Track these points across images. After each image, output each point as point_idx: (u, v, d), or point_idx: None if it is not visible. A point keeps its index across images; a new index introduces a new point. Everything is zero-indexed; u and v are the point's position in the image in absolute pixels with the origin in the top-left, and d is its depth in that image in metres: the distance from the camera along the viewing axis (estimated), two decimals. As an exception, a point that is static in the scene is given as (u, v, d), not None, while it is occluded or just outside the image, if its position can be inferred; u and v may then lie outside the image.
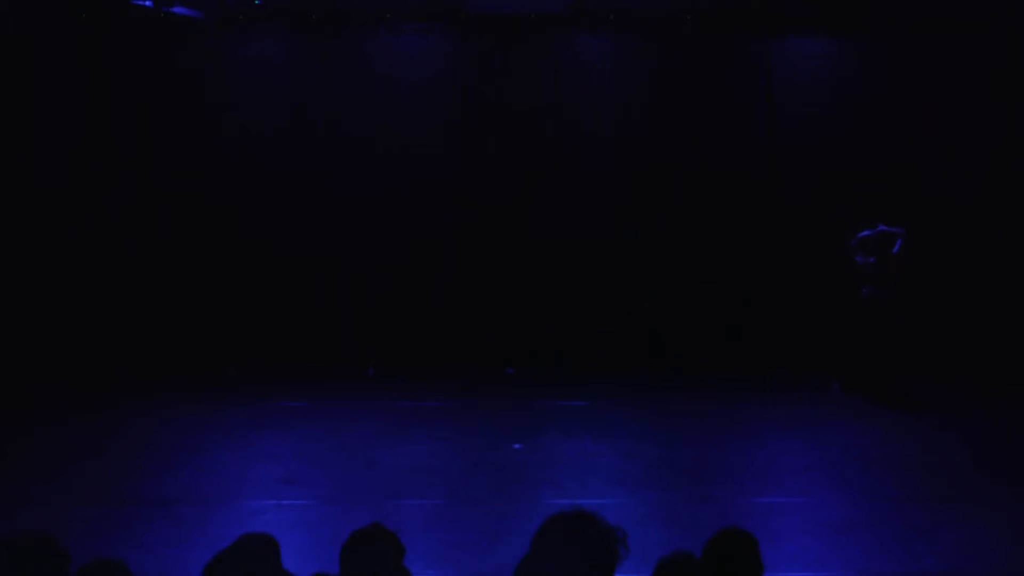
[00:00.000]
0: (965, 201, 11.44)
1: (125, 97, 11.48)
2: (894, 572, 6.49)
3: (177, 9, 11.21)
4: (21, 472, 8.14)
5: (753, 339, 11.69)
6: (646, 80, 11.88)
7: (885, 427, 9.63)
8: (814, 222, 11.61)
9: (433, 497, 7.70)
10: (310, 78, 11.78)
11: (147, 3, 11.01)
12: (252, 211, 11.58)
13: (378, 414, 9.92)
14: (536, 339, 11.72)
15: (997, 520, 7.18)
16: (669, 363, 11.53)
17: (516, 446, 8.96)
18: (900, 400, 10.39)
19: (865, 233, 10.56)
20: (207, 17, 11.45)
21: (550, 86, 11.84)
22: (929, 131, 11.55)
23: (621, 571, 3.14)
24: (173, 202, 11.56)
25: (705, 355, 11.62)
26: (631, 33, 11.84)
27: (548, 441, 9.10)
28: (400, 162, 11.73)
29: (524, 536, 3.25)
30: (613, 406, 10.19)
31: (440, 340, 11.61)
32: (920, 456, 8.76)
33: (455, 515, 7.34)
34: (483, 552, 6.66)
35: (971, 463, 8.56)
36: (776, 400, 10.47)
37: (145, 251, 11.45)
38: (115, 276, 11.31)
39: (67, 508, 7.25)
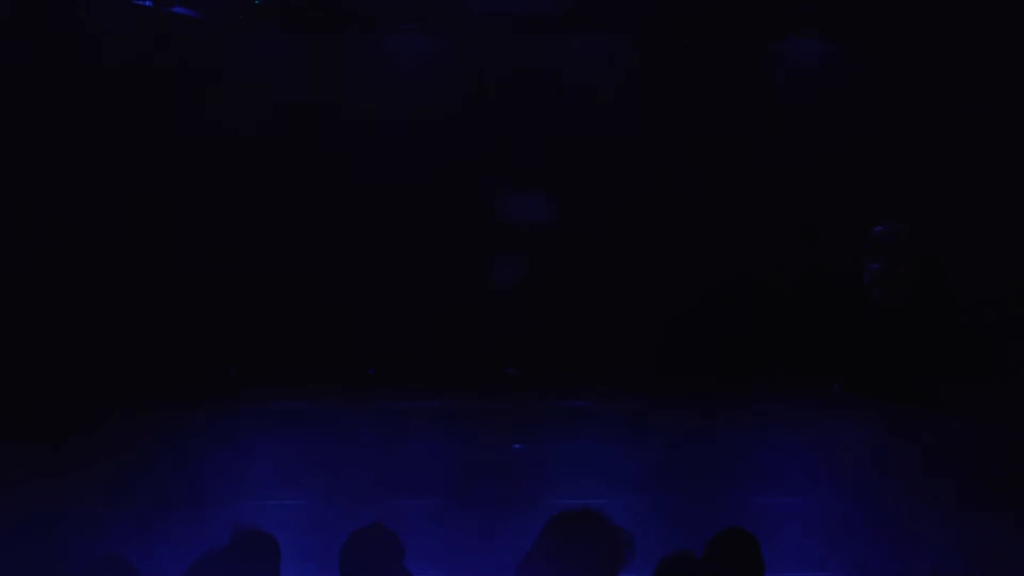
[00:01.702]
0: (968, 201, 11.43)
1: (123, 97, 11.47)
2: (894, 572, 6.49)
3: (177, 9, 11.22)
4: (21, 471, 8.13)
5: (753, 339, 11.69)
6: (645, 80, 11.89)
7: (886, 427, 9.62)
8: (814, 222, 11.61)
9: (433, 497, 7.69)
10: (310, 78, 11.79)
11: (147, 3, 11.02)
12: (252, 210, 11.59)
13: (378, 414, 9.91)
14: (536, 339, 11.73)
15: (998, 520, 7.18)
16: (669, 363, 11.52)
17: (516, 446, 8.96)
18: (901, 400, 10.38)
19: (868, 245, 10.54)
20: (207, 17, 11.45)
21: (550, 86, 11.86)
22: (931, 131, 11.54)
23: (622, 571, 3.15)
24: (171, 201, 11.55)
25: (705, 355, 11.62)
26: (631, 33, 11.85)
27: (548, 441, 9.10)
28: (400, 162, 11.75)
29: (524, 536, 3.26)
30: (613, 406, 10.19)
31: (440, 340, 11.62)
32: (921, 456, 8.75)
33: (455, 515, 7.34)
34: (483, 552, 6.65)
35: (972, 463, 8.54)
36: (776, 400, 10.47)
37: (144, 250, 11.44)
38: (114, 275, 11.30)
39: (67, 508, 7.24)
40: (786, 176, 11.86)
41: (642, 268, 11.72)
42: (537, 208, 11.79)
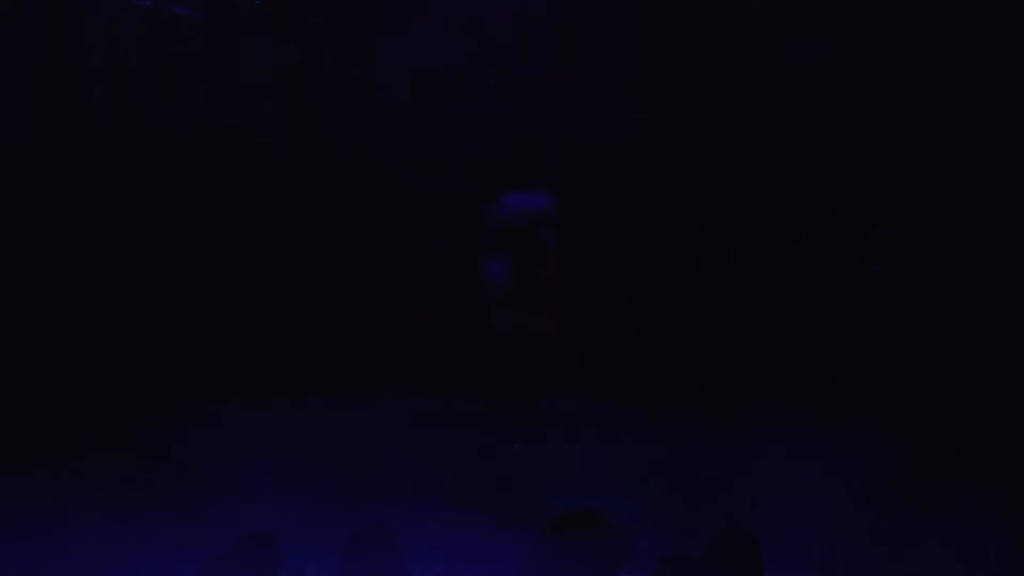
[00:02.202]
0: (969, 200, 11.42)
1: (123, 96, 11.48)
2: (894, 573, 6.49)
3: (177, 9, 11.22)
4: (21, 469, 8.13)
5: (754, 339, 11.68)
6: (645, 80, 11.88)
7: (886, 427, 9.61)
8: (814, 222, 11.61)
9: (433, 497, 7.70)
10: (310, 78, 11.78)
11: (147, 3, 11.03)
12: (249, 211, 11.57)
13: (378, 414, 9.90)
14: (536, 339, 11.71)
15: (999, 522, 7.18)
16: (668, 362, 11.51)
17: (516, 446, 8.95)
18: (902, 400, 10.38)
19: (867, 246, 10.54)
20: (207, 17, 11.45)
21: (550, 86, 11.86)
22: (932, 131, 11.54)
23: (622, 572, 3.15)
24: (169, 201, 11.55)
25: (705, 355, 11.62)
26: (630, 32, 11.84)
27: (548, 441, 9.09)
28: (399, 164, 11.73)
29: (524, 536, 3.26)
30: (613, 406, 10.18)
31: (440, 340, 11.61)
32: (921, 456, 8.75)
33: (455, 515, 7.34)
34: (483, 552, 6.65)
35: (974, 464, 8.54)
36: (776, 400, 10.45)
37: (143, 248, 11.44)
38: (113, 274, 11.29)
39: (65, 507, 7.24)
40: (786, 176, 11.85)
41: (640, 268, 11.70)
42: (538, 208, 11.77)
